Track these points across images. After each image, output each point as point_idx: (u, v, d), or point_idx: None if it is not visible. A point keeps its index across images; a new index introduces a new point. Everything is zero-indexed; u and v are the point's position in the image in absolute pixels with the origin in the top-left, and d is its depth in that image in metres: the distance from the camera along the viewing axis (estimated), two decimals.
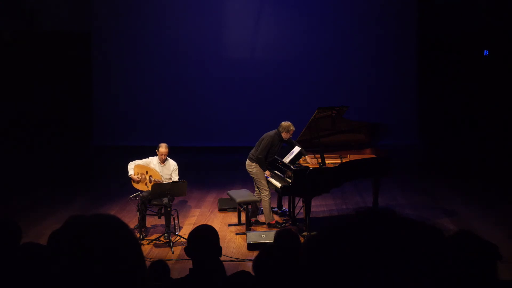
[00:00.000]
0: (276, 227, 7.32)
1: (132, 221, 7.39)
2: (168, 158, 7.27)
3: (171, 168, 7.25)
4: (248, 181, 8.18)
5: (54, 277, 1.13)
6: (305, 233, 6.82)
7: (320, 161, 7.16)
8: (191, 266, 3.01)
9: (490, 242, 2.51)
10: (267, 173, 7.40)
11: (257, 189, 7.52)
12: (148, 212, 7.16)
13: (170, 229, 6.86)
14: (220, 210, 8.28)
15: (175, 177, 7.16)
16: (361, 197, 8.83)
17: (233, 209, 8.05)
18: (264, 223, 7.47)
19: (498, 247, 2.47)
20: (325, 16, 13.36)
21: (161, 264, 4.06)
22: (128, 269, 1.15)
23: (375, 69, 13.43)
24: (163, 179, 7.04)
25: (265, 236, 6.65)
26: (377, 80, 13.41)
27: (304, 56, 13.41)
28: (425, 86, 13.59)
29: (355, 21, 13.38)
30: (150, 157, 7.27)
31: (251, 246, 6.56)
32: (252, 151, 7.51)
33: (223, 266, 3.06)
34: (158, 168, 7.17)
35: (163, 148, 7.15)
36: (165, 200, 6.75)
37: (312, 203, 7.05)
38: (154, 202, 7.02)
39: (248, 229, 7.14)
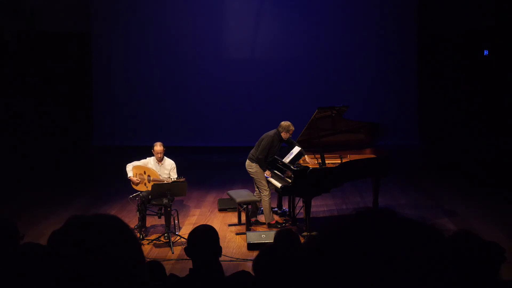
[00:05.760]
0: (276, 227, 7.32)
1: (132, 221, 7.39)
2: (165, 157, 7.27)
3: (169, 167, 7.25)
4: (248, 181, 8.18)
5: (54, 277, 1.13)
6: (305, 233, 6.81)
7: (320, 161, 7.17)
8: (191, 266, 3.02)
9: (496, 243, 2.50)
10: (267, 173, 7.40)
11: (257, 189, 7.52)
12: (148, 212, 7.16)
13: (170, 229, 6.86)
14: (220, 210, 8.28)
15: (174, 176, 7.16)
16: (361, 197, 8.83)
17: (233, 209, 8.05)
18: (264, 223, 7.47)
19: (504, 250, 2.46)
20: (325, 16, 13.36)
21: (155, 264, 4.05)
22: (128, 269, 1.15)
23: (375, 69, 13.44)
24: (161, 178, 7.03)
25: (265, 236, 6.65)
26: (377, 80, 13.41)
27: (304, 56, 13.41)
28: (425, 86, 13.59)
29: (355, 21, 13.38)
30: (147, 158, 7.27)
31: (251, 246, 6.56)
32: (252, 151, 7.51)
33: (221, 266, 3.06)
34: (156, 167, 7.17)
35: (157, 146, 7.15)
36: (165, 200, 6.75)
37: (312, 203, 7.04)
38: (154, 202, 7.02)
39: (248, 229, 7.14)
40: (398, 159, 9.84)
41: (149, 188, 6.82)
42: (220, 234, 3.29)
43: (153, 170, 7.10)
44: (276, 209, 8.00)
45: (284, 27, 13.38)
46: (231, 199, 7.60)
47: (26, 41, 13.72)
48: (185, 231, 7.11)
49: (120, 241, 1.16)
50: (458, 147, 12.82)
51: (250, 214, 7.31)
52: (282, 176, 7.24)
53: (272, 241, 4.71)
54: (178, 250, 6.54)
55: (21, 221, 6.92)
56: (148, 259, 5.69)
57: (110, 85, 13.63)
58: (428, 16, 13.50)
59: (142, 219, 7.02)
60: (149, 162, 7.22)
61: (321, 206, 8.33)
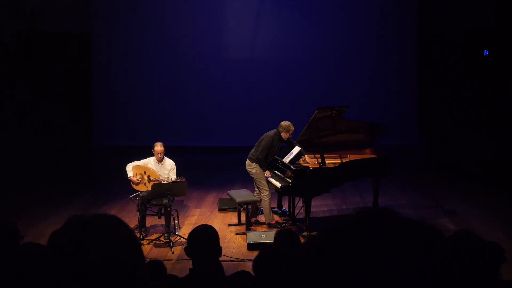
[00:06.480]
0: (276, 227, 7.32)
1: (132, 221, 7.39)
2: (165, 157, 7.27)
3: (169, 167, 7.25)
4: (248, 181, 8.18)
5: (54, 277, 1.13)
6: (305, 233, 6.82)
7: (320, 161, 7.17)
8: (191, 266, 3.01)
9: (496, 243, 2.50)
10: (267, 173, 7.40)
11: (257, 189, 7.52)
12: (148, 212, 7.16)
13: (170, 229, 6.86)
14: (220, 210, 8.28)
15: (173, 176, 7.16)
16: (361, 197, 8.83)
17: (233, 209, 8.05)
18: (264, 223, 7.47)
19: (504, 250, 2.46)
20: (325, 16, 13.36)
21: (157, 264, 4.05)
22: (128, 269, 1.15)
23: (375, 69, 13.44)
24: (161, 178, 7.03)
25: (265, 236, 6.65)
26: (377, 80, 13.41)
27: (304, 56, 13.41)
28: (425, 86, 13.59)
29: (355, 20, 13.38)
30: (147, 158, 7.27)
31: (251, 246, 6.56)
32: (252, 151, 7.51)
33: (222, 266, 3.06)
34: (156, 167, 7.17)
35: (158, 146, 7.16)
36: (165, 200, 6.75)
37: (312, 203, 7.05)
38: (154, 202, 7.02)
39: (248, 229, 7.14)
40: (398, 159, 9.84)
41: (149, 188, 6.82)
42: (220, 234, 3.29)
43: (153, 170, 7.10)
44: (276, 209, 8.00)
45: (284, 27, 13.38)
46: (231, 199, 7.60)
47: (26, 41, 13.72)
48: (185, 231, 7.11)
49: (120, 241, 1.16)
50: (458, 147, 12.82)
51: (250, 214, 7.31)
52: (282, 176, 7.24)
53: (272, 241, 4.71)
54: (178, 250, 6.54)
55: (21, 221, 6.92)
56: (148, 259, 5.69)
57: (110, 85, 13.63)
58: (428, 16, 13.49)
59: (142, 219, 7.02)
60: (149, 162, 7.22)
61: (321, 206, 8.33)
